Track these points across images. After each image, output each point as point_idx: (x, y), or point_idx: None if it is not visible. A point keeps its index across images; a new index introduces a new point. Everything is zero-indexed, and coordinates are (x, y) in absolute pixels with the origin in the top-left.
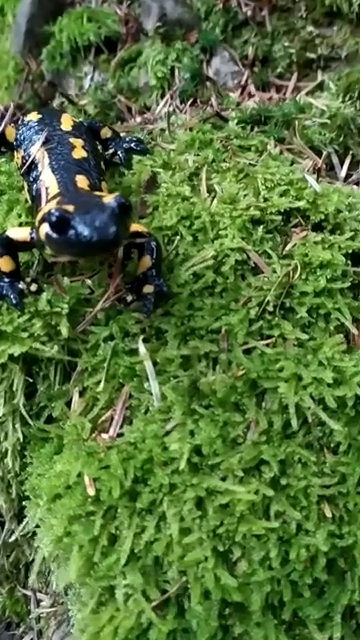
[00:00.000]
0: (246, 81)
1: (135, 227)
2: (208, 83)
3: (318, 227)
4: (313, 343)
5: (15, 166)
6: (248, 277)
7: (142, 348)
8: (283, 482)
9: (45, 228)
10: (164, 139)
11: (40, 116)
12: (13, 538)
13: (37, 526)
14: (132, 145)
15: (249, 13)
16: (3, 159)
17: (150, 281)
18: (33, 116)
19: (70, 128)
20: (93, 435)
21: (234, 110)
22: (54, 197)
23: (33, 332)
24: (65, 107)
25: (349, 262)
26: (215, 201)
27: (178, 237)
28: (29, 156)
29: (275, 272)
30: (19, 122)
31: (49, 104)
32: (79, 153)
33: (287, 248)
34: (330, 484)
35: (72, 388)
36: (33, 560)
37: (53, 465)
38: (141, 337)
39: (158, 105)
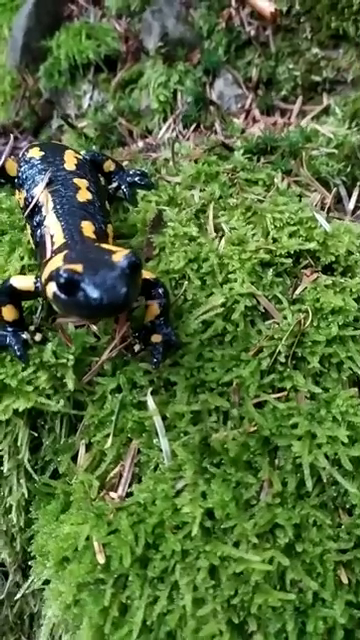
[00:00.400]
0: (250, 105)
1: (143, 273)
2: (212, 107)
3: (329, 268)
4: (326, 395)
5: (16, 203)
6: (258, 323)
7: (151, 403)
8: (298, 548)
9: (53, 288)
10: (169, 171)
11: (43, 153)
12: (20, 595)
13: (45, 583)
14: (136, 179)
15: (252, 33)
16: (3, 193)
17: (158, 330)
18: (35, 153)
19: (74, 167)
20: (101, 494)
21: (239, 138)
22: (60, 248)
23: (38, 385)
24: (64, 130)
25: None
26: (223, 242)
27: (186, 282)
28: (32, 198)
29: (286, 318)
30: (20, 157)
31: (47, 125)
32: (84, 195)
33: (297, 292)
34: (346, 548)
35: (78, 441)
36: (38, 612)
37: (60, 525)
38: (149, 390)
39: (160, 129)
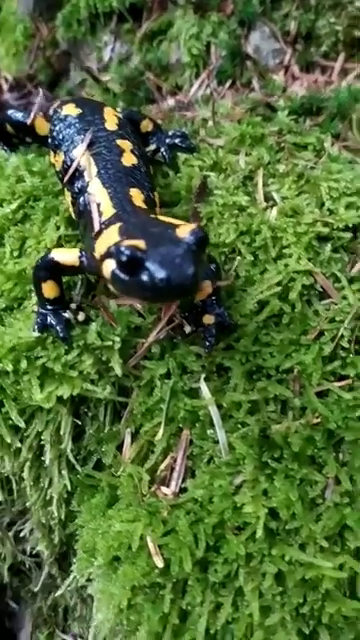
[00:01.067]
0: (289, 61)
1: (183, 222)
2: (248, 62)
3: None
4: None
5: (50, 166)
6: (315, 303)
7: (206, 391)
8: None
9: (111, 265)
10: (209, 133)
11: (80, 111)
12: (60, 592)
13: (88, 580)
14: (176, 141)
15: None
16: (32, 155)
17: (210, 310)
18: (71, 110)
19: (116, 127)
20: (152, 489)
21: (281, 97)
22: (110, 220)
23: (82, 370)
24: (86, 85)
25: None
26: (275, 212)
27: (238, 257)
28: (72, 161)
29: (345, 299)
30: (52, 114)
31: (64, 78)
32: (129, 159)
33: (356, 269)
34: None
35: (123, 429)
36: (74, 605)
37: (108, 521)
38: (202, 376)
39: (192, 86)
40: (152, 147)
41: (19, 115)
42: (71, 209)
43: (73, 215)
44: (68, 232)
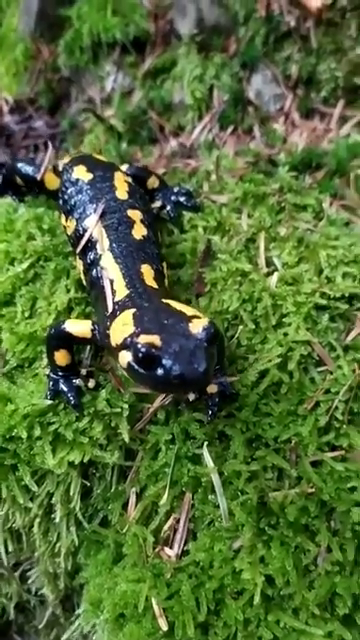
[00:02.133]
0: (289, 107)
1: (194, 313)
2: (250, 108)
3: None
4: None
5: (58, 222)
6: (311, 371)
7: (209, 460)
8: (357, 619)
9: (128, 357)
10: (212, 188)
11: (91, 176)
12: (66, 636)
13: (93, 626)
14: (181, 199)
15: (292, 24)
16: (42, 209)
17: (213, 380)
18: (82, 174)
19: (126, 195)
20: (156, 549)
21: (282, 150)
22: (124, 303)
23: (93, 436)
24: (88, 118)
25: None
26: (276, 279)
27: (241, 326)
28: (84, 231)
29: (340, 368)
30: (63, 173)
31: (65, 104)
32: (139, 231)
33: (350, 337)
34: None
35: (128, 489)
36: None
37: (115, 578)
38: (206, 445)
39: (194, 128)
40: (158, 204)
41: (29, 169)
42: (82, 277)
43: (84, 282)
44: (78, 295)
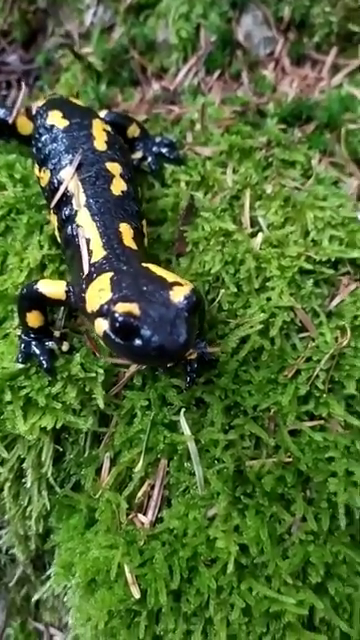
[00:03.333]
0: (280, 52)
1: (175, 279)
2: (238, 52)
3: None
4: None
5: (31, 172)
6: (293, 337)
7: (186, 428)
8: (329, 587)
9: (104, 326)
10: (197, 138)
11: (67, 123)
12: (36, 597)
13: (64, 587)
14: (163, 151)
15: None
16: (13, 155)
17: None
18: (58, 119)
19: (105, 146)
20: (130, 516)
21: (271, 100)
22: (101, 265)
23: (66, 401)
24: (65, 54)
25: None
26: (260, 240)
27: (222, 290)
28: (59, 183)
29: (323, 335)
30: (37, 118)
31: (41, 37)
32: (118, 186)
33: (334, 303)
34: None
35: (102, 454)
36: (47, 597)
37: (87, 543)
38: (183, 412)
39: (179, 71)
40: (138, 155)
41: (0, 112)
42: (57, 233)
43: (59, 239)
44: (51, 252)
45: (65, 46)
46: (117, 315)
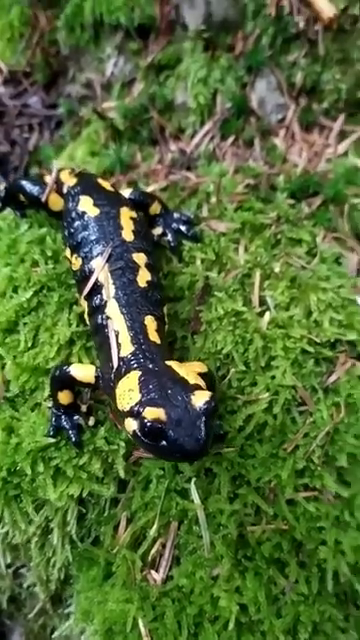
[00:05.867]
0: (291, 119)
1: (195, 381)
2: (252, 118)
3: None
4: (349, 494)
5: (61, 248)
6: (293, 411)
7: (196, 497)
8: None
9: (133, 426)
10: (212, 212)
11: (98, 212)
12: (57, 634)
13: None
14: (182, 227)
15: (301, 25)
16: (44, 229)
17: None
18: (89, 206)
19: (132, 236)
20: (144, 572)
21: (281, 172)
22: (129, 361)
23: (91, 471)
24: (86, 104)
25: None
26: (267, 319)
27: (232, 369)
28: (90, 272)
29: (320, 411)
30: (68, 198)
31: (62, 78)
32: (144, 277)
33: (331, 380)
34: None
35: (120, 513)
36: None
37: (105, 595)
38: (193, 481)
39: (196, 133)
40: (159, 231)
41: (34, 189)
42: (87, 317)
43: (89, 324)
44: (79, 329)
45: (87, 99)
46: (146, 421)
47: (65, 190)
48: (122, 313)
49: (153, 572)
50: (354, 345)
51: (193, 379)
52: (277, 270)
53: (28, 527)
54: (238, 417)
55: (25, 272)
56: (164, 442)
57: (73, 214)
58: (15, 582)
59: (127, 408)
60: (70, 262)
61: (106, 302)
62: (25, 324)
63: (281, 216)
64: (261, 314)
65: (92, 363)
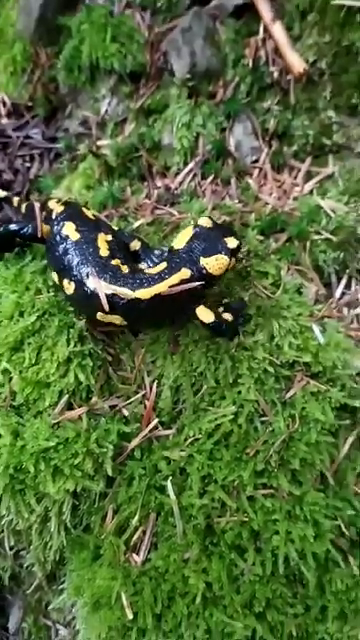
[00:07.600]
0: (264, 160)
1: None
2: (229, 160)
3: (316, 374)
4: (300, 492)
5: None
6: (255, 421)
7: (172, 494)
8: (268, 615)
9: None
10: None
11: (78, 236)
12: (52, 606)
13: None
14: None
15: (275, 75)
16: (45, 261)
17: None
18: (71, 232)
19: (107, 252)
20: (126, 555)
21: (253, 210)
22: None
23: (84, 469)
24: (83, 140)
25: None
26: (235, 342)
27: (205, 386)
28: (92, 292)
29: (278, 422)
30: (55, 223)
31: (61, 113)
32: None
33: (289, 395)
34: (298, 613)
35: (107, 505)
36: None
37: (94, 574)
38: (170, 479)
39: (180, 172)
40: (144, 265)
41: (29, 229)
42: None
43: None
44: (76, 349)
45: (84, 135)
46: None
47: (54, 216)
48: None
49: (134, 555)
50: (309, 366)
51: None
52: (246, 299)
53: (30, 516)
54: (208, 426)
55: (30, 299)
56: None
57: (58, 237)
58: (16, 562)
59: None
60: (62, 287)
61: None
62: (29, 344)
63: (251, 251)
64: (231, 338)
65: (87, 379)
